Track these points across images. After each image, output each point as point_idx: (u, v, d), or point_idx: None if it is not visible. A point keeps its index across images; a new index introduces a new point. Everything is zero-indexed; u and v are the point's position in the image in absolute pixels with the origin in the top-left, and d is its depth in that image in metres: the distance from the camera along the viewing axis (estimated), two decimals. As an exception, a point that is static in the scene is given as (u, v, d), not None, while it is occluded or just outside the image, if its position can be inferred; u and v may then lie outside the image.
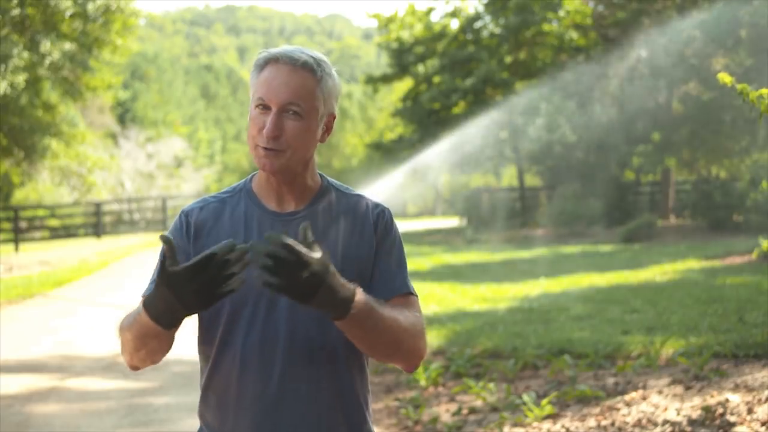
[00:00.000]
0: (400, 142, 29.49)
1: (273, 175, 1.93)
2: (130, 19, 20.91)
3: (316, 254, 1.68)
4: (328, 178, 2.04)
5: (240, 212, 1.96)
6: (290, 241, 1.64)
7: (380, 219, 2.01)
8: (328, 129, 1.97)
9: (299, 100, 1.88)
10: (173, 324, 1.76)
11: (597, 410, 5.18)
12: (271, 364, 1.89)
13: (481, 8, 28.48)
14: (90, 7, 19.61)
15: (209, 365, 1.96)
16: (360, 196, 2.03)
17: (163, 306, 1.71)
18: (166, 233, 1.70)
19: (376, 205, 2.02)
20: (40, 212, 29.65)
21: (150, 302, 1.73)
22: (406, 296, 1.99)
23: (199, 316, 2.00)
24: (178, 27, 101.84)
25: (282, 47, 1.94)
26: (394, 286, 1.98)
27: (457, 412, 5.54)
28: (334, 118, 1.97)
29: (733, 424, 4.46)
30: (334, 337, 1.91)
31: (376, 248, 1.98)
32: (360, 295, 1.78)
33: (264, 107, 1.89)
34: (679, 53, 21.73)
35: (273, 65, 1.90)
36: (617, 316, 8.52)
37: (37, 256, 20.64)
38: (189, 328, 2.06)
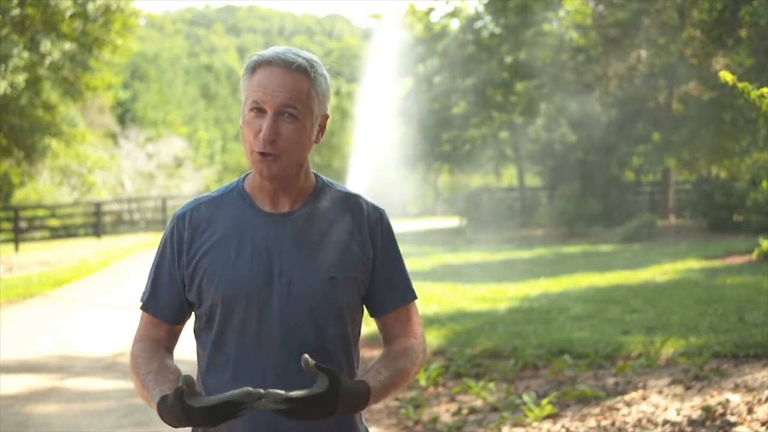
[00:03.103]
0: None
1: (269, 181, 1.91)
2: (130, 19, 20.89)
3: (321, 385, 1.74)
4: (323, 178, 2.02)
5: (234, 214, 1.95)
6: (290, 395, 1.71)
7: (380, 223, 2.00)
8: (322, 129, 1.96)
9: (295, 102, 1.86)
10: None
11: (597, 410, 5.18)
12: (266, 367, 1.88)
13: (481, 8, 28.46)
14: (90, 7, 19.58)
15: (203, 365, 1.96)
16: (356, 196, 2.02)
17: (175, 421, 1.75)
18: (187, 375, 1.72)
19: (375, 208, 2.02)
20: (40, 212, 29.62)
21: (162, 410, 1.76)
22: (410, 304, 2.04)
23: (195, 314, 2.00)
24: (178, 27, 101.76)
25: (273, 49, 1.92)
26: (401, 294, 2.02)
27: (457, 412, 5.54)
28: (328, 117, 1.96)
29: (733, 424, 4.45)
30: (329, 338, 1.91)
31: (376, 253, 1.97)
32: (373, 384, 1.84)
33: (259, 111, 1.87)
34: (679, 53, 21.72)
35: (266, 68, 1.88)
36: (617, 316, 8.52)
37: (37, 256, 20.63)
38: (189, 328, 2.06)
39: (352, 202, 2.00)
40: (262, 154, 1.86)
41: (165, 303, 1.97)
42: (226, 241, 1.92)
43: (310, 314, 1.89)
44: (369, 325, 2.14)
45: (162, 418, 1.77)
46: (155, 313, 1.99)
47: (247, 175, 2.01)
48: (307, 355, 1.74)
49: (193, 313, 2.00)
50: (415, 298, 2.05)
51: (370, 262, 1.96)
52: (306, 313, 1.89)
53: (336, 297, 1.91)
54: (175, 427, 1.79)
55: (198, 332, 1.98)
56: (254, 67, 1.90)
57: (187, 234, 1.95)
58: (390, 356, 1.96)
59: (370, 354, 5.94)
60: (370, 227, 1.98)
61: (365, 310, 2.05)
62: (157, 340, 1.99)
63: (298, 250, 1.91)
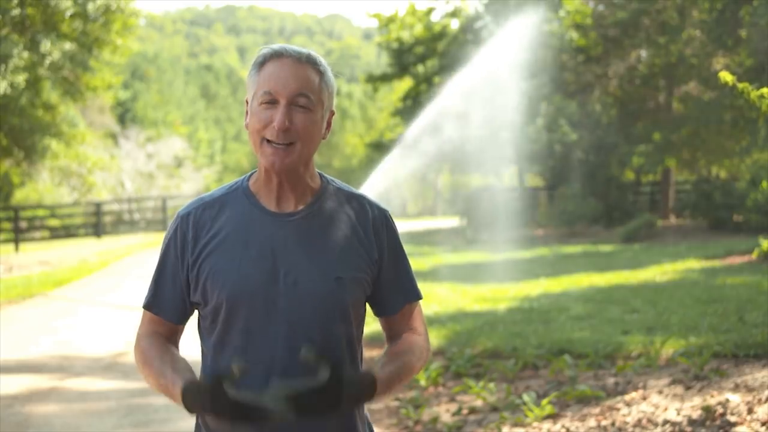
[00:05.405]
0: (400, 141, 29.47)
1: (279, 174, 1.90)
2: (130, 19, 20.89)
3: (322, 376, 1.74)
4: (328, 177, 2.02)
5: (239, 213, 1.94)
6: (290, 392, 1.71)
7: (385, 223, 2.00)
8: (329, 126, 1.96)
9: (308, 91, 1.87)
10: None
11: (597, 410, 5.18)
12: (270, 366, 1.88)
13: (481, 8, 28.45)
14: (90, 7, 19.58)
15: (208, 364, 1.96)
16: (361, 196, 2.02)
17: (197, 406, 1.76)
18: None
19: (379, 208, 2.01)
20: (40, 212, 29.63)
21: (188, 392, 1.78)
22: (415, 303, 2.04)
23: (200, 314, 1.99)
24: (178, 27, 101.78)
25: (277, 45, 1.93)
26: (406, 294, 2.03)
27: (457, 412, 5.54)
28: (333, 114, 1.97)
29: (733, 424, 4.46)
30: (334, 338, 1.91)
31: (381, 254, 1.98)
32: (379, 374, 1.85)
33: (270, 102, 1.86)
34: (679, 53, 21.71)
35: (276, 60, 1.88)
36: (617, 316, 8.52)
37: (37, 256, 20.63)
38: (190, 328, 2.06)
39: (357, 202, 2.00)
40: (275, 144, 1.86)
41: (167, 302, 1.98)
42: (231, 241, 1.91)
43: (317, 314, 1.89)
44: (369, 325, 2.15)
45: (183, 401, 1.78)
46: (157, 312, 1.99)
47: (251, 174, 2.00)
48: (305, 348, 1.75)
49: (196, 312, 2.01)
50: (420, 298, 2.05)
51: (375, 263, 1.96)
52: (312, 313, 1.88)
53: (342, 297, 1.91)
54: (192, 413, 1.80)
55: (203, 332, 1.98)
56: (263, 62, 1.90)
57: (191, 234, 1.94)
58: (395, 350, 1.97)
59: (369, 354, 5.94)
60: (376, 228, 1.98)
61: (368, 309, 2.05)
62: (163, 336, 2.00)
63: (303, 250, 1.91)
